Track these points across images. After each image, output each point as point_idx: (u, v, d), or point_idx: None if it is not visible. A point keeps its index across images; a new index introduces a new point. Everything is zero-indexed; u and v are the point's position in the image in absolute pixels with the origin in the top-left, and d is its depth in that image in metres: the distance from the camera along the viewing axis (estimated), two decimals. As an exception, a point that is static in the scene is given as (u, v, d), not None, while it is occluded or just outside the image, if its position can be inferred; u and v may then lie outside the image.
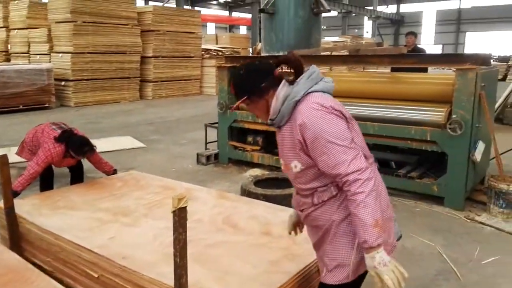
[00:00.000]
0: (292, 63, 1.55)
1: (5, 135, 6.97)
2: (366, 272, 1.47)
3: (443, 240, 3.11)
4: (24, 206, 2.60)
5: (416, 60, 4.10)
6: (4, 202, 2.46)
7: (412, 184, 3.90)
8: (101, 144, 5.90)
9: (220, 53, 14.14)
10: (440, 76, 4.12)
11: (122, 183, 3.17)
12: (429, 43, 31.72)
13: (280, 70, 1.58)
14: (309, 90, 1.49)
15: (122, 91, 11.68)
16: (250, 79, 1.55)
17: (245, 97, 1.54)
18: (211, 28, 33.29)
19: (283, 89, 1.51)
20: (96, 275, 2.04)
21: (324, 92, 1.52)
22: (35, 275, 1.86)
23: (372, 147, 4.44)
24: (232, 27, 34.00)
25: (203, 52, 13.97)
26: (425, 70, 5.46)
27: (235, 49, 15.42)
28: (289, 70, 1.57)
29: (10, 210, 2.45)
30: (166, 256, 1.95)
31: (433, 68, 5.41)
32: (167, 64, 12.59)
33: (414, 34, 6.99)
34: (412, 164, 4.21)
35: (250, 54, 14.26)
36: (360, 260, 1.44)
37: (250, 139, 5.12)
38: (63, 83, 10.68)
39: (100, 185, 3.18)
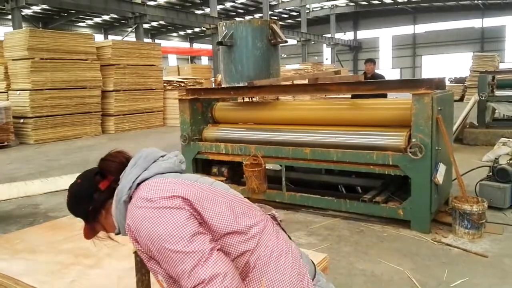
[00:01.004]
0: (112, 170, 1.29)
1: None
2: None
3: (412, 264, 3.12)
4: (-19, 253, 2.51)
5: (373, 86, 4.23)
6: (-41, 251, 2.37)
7: (378, 208, 3.95)
8: (62, 182, 5.76)
9: (182, 84, 14.23)
10: (398, 101, 4.25)
11: (84, 222, 3.11)
12: (387, 67, 33.22)
13: (109, 179, 1.28)
14: (137, 181, 1.21)
15: (83, 126, 11.47)
16: (75, 206, 1.32)
17: (85, 224, 1.33)
18: (172, 60, 33.47)
19: (116, 197, 1.25)
20: (58, 320, 1.99)
21: (162, 173, 1.24)
22: (-7, 325, 1.80)
23: (337, 173, 4.59)
24: (193, 58, 34.36)
25: (165, 84, 14.01)
26: (384, 96, 5.71)
27: (197, 80, 15.57)
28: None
29: (-35, 258, 2.35)
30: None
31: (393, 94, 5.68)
32: (128, 97, 12.52)
33: (373, 62, 7.35)
34: (377, 188, 4.29)
35: (213, 85, 14.45)
36: None
37: (215, 170, 5.16)
38: (22, 120, 10.38)
39: (61, 225, 3.10)
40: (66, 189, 5.00)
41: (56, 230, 3.00)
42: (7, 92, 10.87)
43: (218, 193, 1.24)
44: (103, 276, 2.25)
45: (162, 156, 1.31)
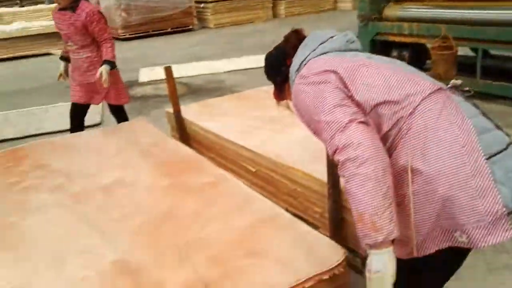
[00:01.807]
0: (289, 52, 1.39)
1: (161, 55, 7.86)
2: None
3: None
4: (188, 112, 3.02)
5: None
6: (173, 108, 2.89)
7: None
8: (242, 62, 6.29)
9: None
10: None
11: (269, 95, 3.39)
12: None
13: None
14: (304, 62, 1.31)
15: (256, 10, 11.90)
16: (269, 72, 1.51)
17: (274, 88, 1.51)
18: None
19: (290, 75, 1.40)
20: (253, 170, 2.33)
21: (325, 53, 1.30)
22: (205, 164, 2.22)
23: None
24: None
25: (336, -37, 13.10)
26: None
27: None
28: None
29: (178, 114, 2.87)
30: (316, 157, 2.09)
31: None
32: (299, -21, 12.24)
33: None
34: None
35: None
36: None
37: (395, 53, 4.84)
38: (202, 5, 11.34)
39: (247, 97, 3.45)
40: (246, 68, 5.50)
41: (243, 101, 3.35)
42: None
43: (375, 65, 1.21)
44: (289, 140, 2.48)
45: (332, 37, 1.34)
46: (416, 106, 1.10)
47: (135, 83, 5.89)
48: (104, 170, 2.26)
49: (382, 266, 1.02)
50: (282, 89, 1.47)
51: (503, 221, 1.00)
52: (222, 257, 1.47)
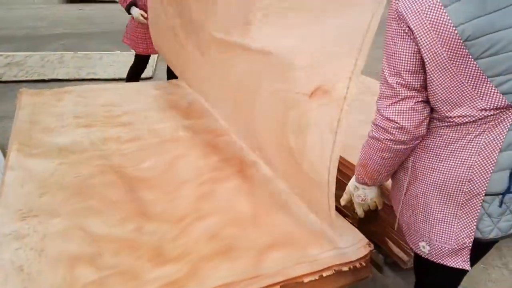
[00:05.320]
0: None
1: None
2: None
3: None
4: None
5: None
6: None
7: None
8: None
9: None
10: None
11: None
12: None
13: None
14: None
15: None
16: None
17: None
18: None
19: None
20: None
21: None
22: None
23: None
24: None
25: None
26: None
27: None
28: None
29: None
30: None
31: None
32: None
33: None
34: None
35: None
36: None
37: None
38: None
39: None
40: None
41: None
42: None
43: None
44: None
45: None
46: (471, 121, 1.01)
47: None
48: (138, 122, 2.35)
49: (362, 193, 1.30)
50: None
51: (465, 252, 1.10)
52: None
